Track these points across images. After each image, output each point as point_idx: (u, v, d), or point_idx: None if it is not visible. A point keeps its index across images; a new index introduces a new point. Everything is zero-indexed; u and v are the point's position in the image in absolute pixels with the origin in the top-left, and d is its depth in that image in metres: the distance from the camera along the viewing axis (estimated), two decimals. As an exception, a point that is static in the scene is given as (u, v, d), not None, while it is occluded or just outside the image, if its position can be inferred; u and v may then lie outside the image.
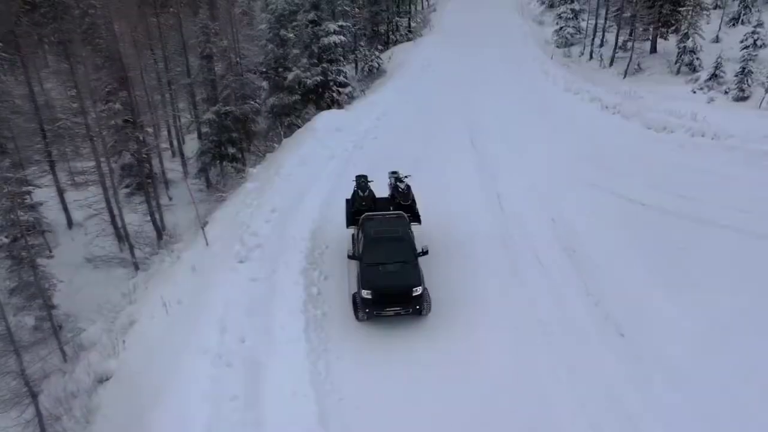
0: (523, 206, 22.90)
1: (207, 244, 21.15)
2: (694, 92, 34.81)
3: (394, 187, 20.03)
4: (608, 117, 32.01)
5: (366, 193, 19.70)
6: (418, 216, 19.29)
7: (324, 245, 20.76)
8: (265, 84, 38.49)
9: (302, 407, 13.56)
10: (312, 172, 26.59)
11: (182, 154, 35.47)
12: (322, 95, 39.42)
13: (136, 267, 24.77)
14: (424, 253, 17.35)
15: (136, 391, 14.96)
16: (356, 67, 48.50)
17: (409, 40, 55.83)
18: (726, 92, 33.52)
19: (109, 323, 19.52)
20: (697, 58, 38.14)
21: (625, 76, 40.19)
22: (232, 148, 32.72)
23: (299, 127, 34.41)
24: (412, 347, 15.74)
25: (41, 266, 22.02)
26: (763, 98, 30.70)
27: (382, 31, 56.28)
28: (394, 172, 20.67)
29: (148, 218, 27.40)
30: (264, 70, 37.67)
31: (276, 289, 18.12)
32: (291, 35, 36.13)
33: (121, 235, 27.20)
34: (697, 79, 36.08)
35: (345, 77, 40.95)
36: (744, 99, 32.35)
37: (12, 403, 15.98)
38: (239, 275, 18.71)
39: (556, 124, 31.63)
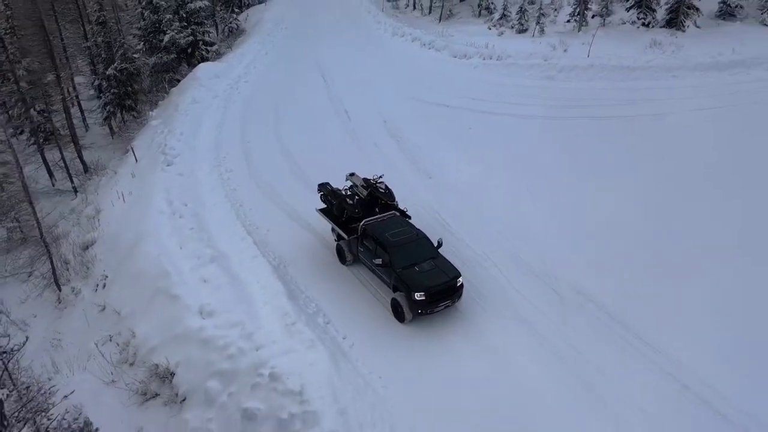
0: (364, 116, 31.91)
1: (136, 160, 28.61)
2: (490, 29, 44.93)
3: (373, 188, 20.32)
4: (425, 51, 41.57)
5: (355, 201, 20.06)
6: (405, 212, 20.14)
7: (225, 153, 28.94)
8: (141, 46, 44.65)
9: (235, 230, 22.06)
10: (202, 107, 34.33)
11: (82, 110, 41.79)
12: (193, 54, 46.19)
13: (75, 191, 31.38)
14: (440, 245, 18.41)
15: (119, 242, 22.77)
16: (217, 29, 55.20)
17: (260, 2, 62.75)
18: (512, 27, 43.88)
19: (75, 220, 26.73)
20: (492, 3, 48.48)
21: (440, 21, 49.92)
22: (129, 100, 39.47)
23: (179, 81, 41.36)
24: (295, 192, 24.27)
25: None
26: (535, 29, 41.30)
27: (235, -5, 62.90)
28: (352, 174, 21.52)
29: (75, 156, 33.98)
30: (141, 33, 44.11)
31: (198, 178, 26.32)
32: (163, 2, 42.65)
33: (52, 171, 33.65)
34: (492, 19, 46.38)
35: (210, 37, 47.98)
36: (524, 31, 42.83)
37: (35, 259, 23.29)
38: (169, 173, 26.59)
39: (386, 60, 40.80)
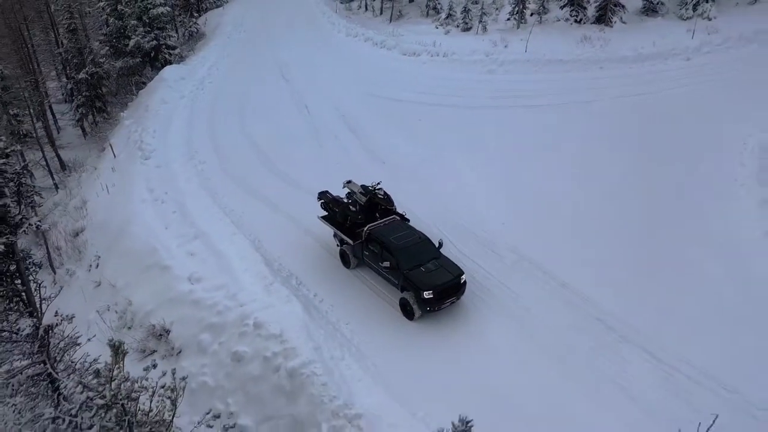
0: (323, 110, 34.82)
1: (115, 156, 31.08)
2: (437, 28, 48.02)
3: (372, 194, 21.04)
4: (377, 50, 44.62)
5: (357, 208, 20.95)
6: (404, 216, 21.08)
7: (197, 147, 31.54)
8: (106, 50, 46.74)
9: (213, 213, 24.83)
10: (171, 107, 36.80)
11: (53, 113, 43.86)
12: (157, 57, 48.41)
13: (57, 187, 33.67)
14: (441, 245, 19.49)
15: (108, 227, 25.35)
16: (177, 33, 57.34)
17: (218, 6, 64.92)
18: (457, 26, 47.14)
19: (62, 211, 29.11)
20: (439, 3, 51.79)
21: (390, 21, 52.92)
22: (99, 102, 41.76)
23: (145, 84, 43.69)
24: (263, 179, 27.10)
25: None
26: (478, 27, 44.75)
27: (193, 0, 65.00)
28: (349, 181, 22.22)
29: (53, 155, 36.23)
30: (106, 39, 46.27)
31: (174, 170, 28.89)
32: (127, 9, 44.92)
33: (32, 171, 35.82)
34: (439, 18, 49.64)
35: (172, 41, 50.26)
36: (468, 29, 46.15)
37: (32, 243, 25.69)
38: (147, 166, 29.20)
39: (341, 59, 43.71)
